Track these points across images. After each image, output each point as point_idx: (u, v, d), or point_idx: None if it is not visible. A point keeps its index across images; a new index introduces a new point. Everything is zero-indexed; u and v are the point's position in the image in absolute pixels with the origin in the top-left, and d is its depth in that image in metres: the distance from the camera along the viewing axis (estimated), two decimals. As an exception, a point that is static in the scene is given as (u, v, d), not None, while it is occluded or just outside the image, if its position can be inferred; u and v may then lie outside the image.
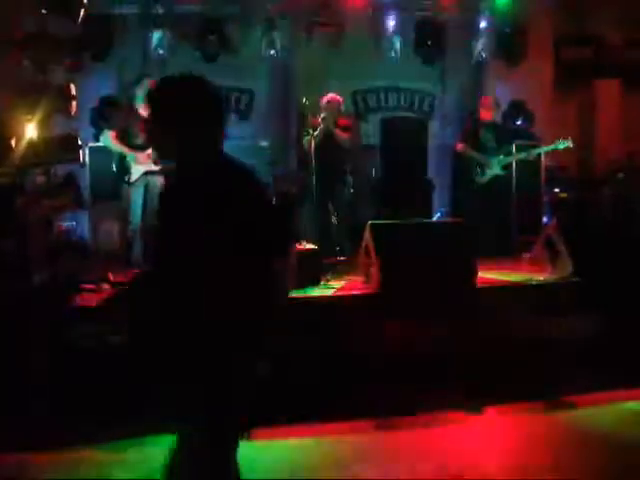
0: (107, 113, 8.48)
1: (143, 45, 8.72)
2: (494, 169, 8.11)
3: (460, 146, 8.14)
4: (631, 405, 4.87)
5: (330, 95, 7.80)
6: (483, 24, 9.54)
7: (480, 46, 9.60)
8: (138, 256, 6.76)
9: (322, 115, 7.55)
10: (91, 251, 7.77)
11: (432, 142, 9.27)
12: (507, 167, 8.27)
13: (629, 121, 10.98)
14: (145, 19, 8.68)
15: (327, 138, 7.52)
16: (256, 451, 3.75)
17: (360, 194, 8.56)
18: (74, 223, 8.35)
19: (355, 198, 8.36)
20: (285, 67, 9.24)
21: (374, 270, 6.19)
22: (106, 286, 6.63)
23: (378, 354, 5.32)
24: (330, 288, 6.40)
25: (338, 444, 4.30)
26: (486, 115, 8.26)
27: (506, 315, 5.91)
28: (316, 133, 7.43)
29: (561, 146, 7.96)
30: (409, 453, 4.13)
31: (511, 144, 8.42)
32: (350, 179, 8.11)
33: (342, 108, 7.89)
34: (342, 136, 7.65)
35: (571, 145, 7.89)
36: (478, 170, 8.08)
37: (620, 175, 9.71)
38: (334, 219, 7.73)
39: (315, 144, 7.33)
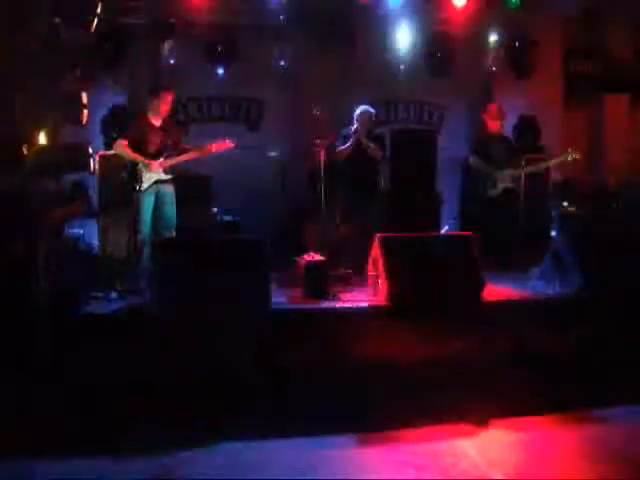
0: (118, 122, 8.51)
1: (154, 55, 8.75)
2: (505, 182, 8.12)
3: (473, 160, 8.16)
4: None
5: (363, 107, 7.86)
6: (493, 38, 9.56)
7: (490, 59, 9.62)
8: (147, 265, 6.78)
9: (354, 127, 7.62)
10: (99, 259, 7.79)
11: (441, 155, 9.28)
12: (517, 180, 8.28)
13: (636, 135, 11.01)
14: (157, 28, 8.72)
15: (359, 150, 7.60)
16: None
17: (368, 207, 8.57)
18: (82, 231, 8.38)
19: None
20: (295, 78, 9.27)
21: (382, 283, 6.20)
22: (114, 295, 6.67)
23: (387, 366, 5.32)
24: (337, 300, 6.41)
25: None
26: (493, 125, 8.28)
27: (513, 329, 5.91)
28: (347, 145, 7.51)
29: (569, 158, 8.02)
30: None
31: (521, 157, 8.44)
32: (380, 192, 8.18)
33: (374, 119, 7.99)
34: (374, 148, 7.73)
35: (578, 157, 7.95)
36: (489, 183, 8.09)
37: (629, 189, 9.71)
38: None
39: (346, 156, 7.44)
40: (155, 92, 6.95)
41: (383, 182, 8.31)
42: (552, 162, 8.39)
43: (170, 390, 4.66)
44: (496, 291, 6.70)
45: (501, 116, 8.47)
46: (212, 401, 4.61)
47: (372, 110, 7.94)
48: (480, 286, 6.25)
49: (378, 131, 8.29)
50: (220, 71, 9.09)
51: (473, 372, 5.30)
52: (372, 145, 7.76)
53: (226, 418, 4.45)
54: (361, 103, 8.13)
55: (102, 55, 8.62)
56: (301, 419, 4.60)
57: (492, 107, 8.48)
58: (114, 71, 8.75)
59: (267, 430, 4.39)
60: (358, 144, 7.67)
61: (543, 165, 8.38)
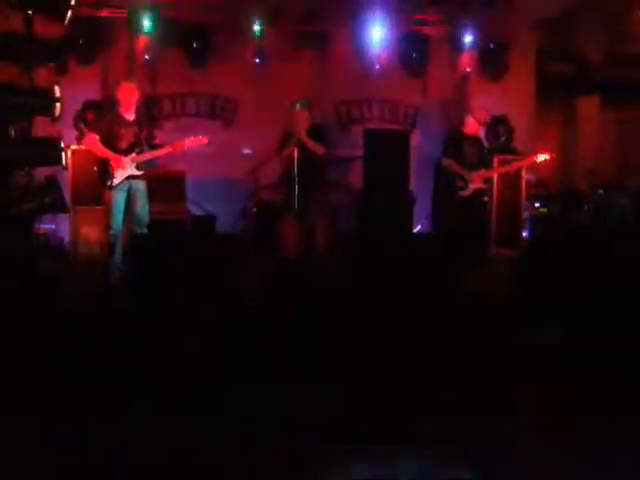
0: (91, 116, 8.45)
1: (129, 49, 8.71)
2: (476, 183, 8.19)
3: (446, 160, 8.20)
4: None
5: (299, 105, 7.83)
6: (467, 39, 9.63)
7: (464, 60, 9.69)
8: (118, 261, 6.74)
9: (293, 125, 7.58)
10: (70, 255, 7.75)
11: (414, 154, 9.33)
12: (488, 181, 8.36)
13: (608, 137, 11.16)
14: (132, 24, 8.67)
15: (302, 148, 7.55)
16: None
17: (342, 205, 8.61)
18: (54, 226, 8.32)
19: (338, 209, 8.42)
20: (270, 75, 9.26)
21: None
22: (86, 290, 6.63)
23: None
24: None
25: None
26: (473, 128, 8.33)
27: (483, 325, 5.94)
28: (293, 143, 7.49)
29: (539, 160, 8.13)
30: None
31: (492, 158, 8.51)
32: (330, 190, 8.17)
33: (311, 118, 7.89)
34: (313, 146, 7.66)
35: (548, 158, 8.05)
36: (461, 184, 8.15)
37: (600, 191, 9.84)
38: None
39: (292, 155, 7.40)
40: (119, 85, 6.91)
41: (331, 178, 8.30)
42: (522, 163, 8.48)
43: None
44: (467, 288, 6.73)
45: (485, 122, 8.54)
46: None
47: (310, 105, 7.90)
48: (452, 284, 6.28)
49: (319, 125, 8.19)
50: (195, 68, 9.07)
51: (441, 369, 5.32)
52: (311, 142, 7.66)
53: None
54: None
55: (76, 48, 8.57)
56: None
57: (478, 111, 8.49)
58: (88, 65, 8.69)
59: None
60: (298, 142, 7.60)
61: (514, 166, 8.45)
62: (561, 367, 4.76)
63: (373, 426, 3.54)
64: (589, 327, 5.41)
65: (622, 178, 9.87)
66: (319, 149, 7.68)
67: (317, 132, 7.78)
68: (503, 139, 9.87)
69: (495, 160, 8.62)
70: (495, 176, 8.59)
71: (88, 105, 8.74)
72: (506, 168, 8.40)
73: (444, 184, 8.40)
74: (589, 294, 5.83)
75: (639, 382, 4.23)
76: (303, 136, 7.60)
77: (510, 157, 8.97)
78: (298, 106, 7.78)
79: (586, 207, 9.76)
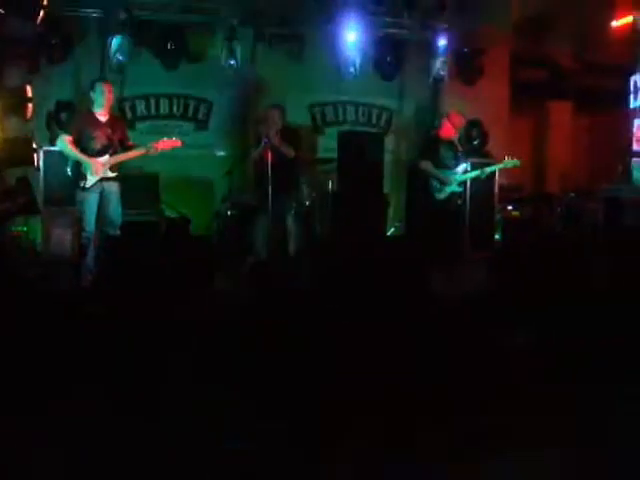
0: (63, 117, 8.38)
1: (102, 50, 8.64)
2: (452, 186, 8.23)
3: (422, 163, 8.22)
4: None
5: (270, 107, 7.80)
6: (442, 43, 9.69)
7: (438, 64, 9.74)
8: (91, 264, 6.70)
9: (262, 127, 7.55)
10: (42, 257, 7.66)
11: (388, 157, 9.37)
12: (462, 184, 8.41)
13: (580, 142, 11.31)
14: (106, 24, 8.61)
15: (273, 149, 7.49)
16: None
17: (316, 207, 8.62)
18: (25, 228, 8.23)
19: (311, 211, 8.43)
20: (245, 77, 9.26)
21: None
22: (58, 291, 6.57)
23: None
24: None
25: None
26: (449, 132, 8.36)
27: (455, 327, 5.97)
28: (261, 146, 7.46)
29: (509, 165, 8.26)
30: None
31: (467, 161, 8.56)
32: (304, 192, 8.17)
33: (282, 119, 7.80)
34: (285, 147, 7.59)
35: (519, 164, 8.18)
36: (437, 186, 8.18)
37: (572, 195, 9.95)
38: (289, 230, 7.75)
39: (263, 157, 7.36)
40: (93, 85, 6.86)
41: (304, 181, 8.32)
42: (494, 167, 8.55)
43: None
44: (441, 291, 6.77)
45: (461, 126, 8.58)
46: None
47: (281, 106, 7.82)
48: (425, 287, 6.31)
49: (292, 127, 8.12)
50: (169, 69, 9.02)
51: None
52: (282, 144, 7.58)
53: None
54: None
55: (48, 48, 8.49)
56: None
57: (455, 116, 8.52)
58: (60, 65, 8.62)
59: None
60: (269, 144, 7.52)
61: (487, 170, 8.51)
62: (532, 368, 4.82)
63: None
64: (559, 329, 5.47)
65: (593, 183, 9.98)
66: (289, 152, 7.59)
67: (290, 134, 7.74)
68: (476, 143, 9.95)
69: (469, 164, 8.67)
70: (469, 179, 8.64)
71: (61, 105, 8.66)
72: (479, 172, 8.44)
73: (420, 187, 8.44)
74: (559, 296, 5.90)
75: (611, 382, 4.29)
76: (273, 137, 7.53)
77: (483, 161, 9.03)
78: (270, 106, 7.75)
79: (558, 210, 9.87)
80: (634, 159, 9.40)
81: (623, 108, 9.68)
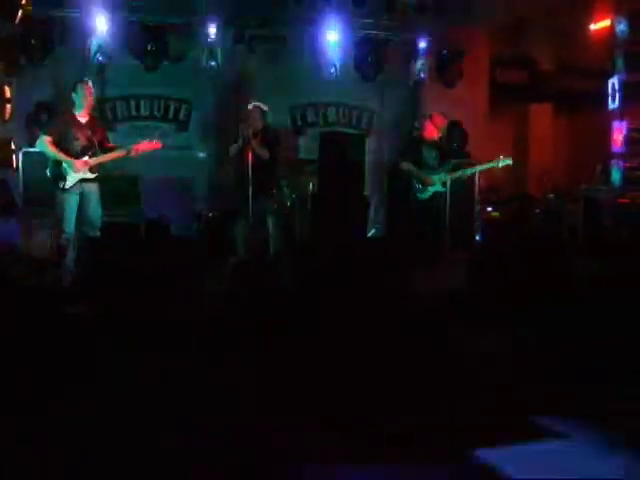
0: (43, 118, 8.33)
1: (83, 50, 8.60)
2: (435, 186, 8.26)
3: (404, 164, 8.23)
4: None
5: (252, 103, 7.71)
6: (422, 45, 9.74)
7: (418, 66, 9.81)
8: (70, 264, 6.66)
9: (242, 126, 7.48)
10: (22, 257, 7.61)
11: (369, 158, 9.39)
12: (445, 184, 8.44)
13: (559, 144, 11.40)
14: (86, 24, 8.57)
15: (250, 150, 7.39)
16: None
17: (297, 208, 8.63)
18: (4, 229, 8.18)
19: (292, 212, 8.43)
20: (225, 79, 9.25)
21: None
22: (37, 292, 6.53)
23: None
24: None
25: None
26: (432, 133, 8.37)
27: (433, 326, 6.00)
28: (239, 145, 7.40)
29: (501, 164, 8.20)
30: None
31: (450, 162, 8.59)
32: (284, 193, 8.16)
33: (263, 119, 7.66)
34: (257, 149, 7.43)
35: (510, 163, 8.15)
36: (419, 186, 8.19)
37: (550, 195, 10.03)
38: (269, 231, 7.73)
39: (244, 157, 7.31)
40: (74, 86, 6.82)
41: (284, 182, 8.33)
42: (483, 167, 8.54)
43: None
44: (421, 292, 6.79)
45: (443, 127, 8.60)
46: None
47: (262, 106, 7.66)
48: (405, 288, 6.33)
49: (273, 128, 7.91)
50: (150, 70, 9.00)
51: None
52: (257, 145, 7.41)
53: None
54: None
55: (28, 49, 8.44)
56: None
57: (437, 117, 8.53)
58: (40, 66, 8.57)
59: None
60: (247, 143, 7.40)
61: (472, 170, 8.53)
62: (509, 368, 4.86)
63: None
64: (537, 328, 5.52)
65: (572, 184, 10.06)
66: (263, 153, 7.44)
67: (270, 135, 7.66)
68: (456, 144, 10.00)
69: (451, 164, 8.70)
70: (449, 180, 8.66)
71: (41, 106, 8.61)
72: (463, 172, 8.45)
73: (401, 187, 8.45)
74: (539, 296, 5.94)
75: (588, 381, 4.33)
76: (250, 136, 7.39)
77: (466, 162, 9.06)
78: (250, 105, 7.68)
79: (537, 211, 9.94)
80: (613, 160, 9.50)
81: (602, 110, 9.77)
